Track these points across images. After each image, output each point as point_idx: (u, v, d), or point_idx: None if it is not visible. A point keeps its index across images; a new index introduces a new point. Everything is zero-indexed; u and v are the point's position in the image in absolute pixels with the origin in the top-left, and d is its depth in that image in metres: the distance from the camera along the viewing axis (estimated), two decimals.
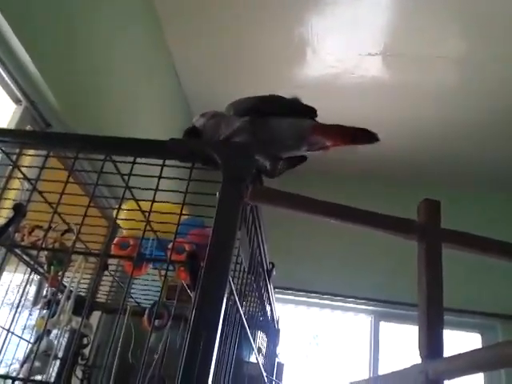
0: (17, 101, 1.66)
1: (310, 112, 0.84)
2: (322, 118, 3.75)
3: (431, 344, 0.75)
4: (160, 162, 0.84)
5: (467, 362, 0.66)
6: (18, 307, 0.93)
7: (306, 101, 3.60)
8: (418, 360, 0.75)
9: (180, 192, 0.86)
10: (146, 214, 1.02)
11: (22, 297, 0.93)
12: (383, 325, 3.37)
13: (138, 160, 0.82)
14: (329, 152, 0.90)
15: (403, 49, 2.67)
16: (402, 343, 3.33)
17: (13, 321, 0.84)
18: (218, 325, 0.66)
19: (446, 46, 2.60)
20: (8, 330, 0.75)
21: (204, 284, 0.69)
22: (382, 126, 3.59)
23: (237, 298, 0.85)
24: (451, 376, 0.71)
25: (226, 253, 0.73)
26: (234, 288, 0.81)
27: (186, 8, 2.57)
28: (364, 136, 0.84)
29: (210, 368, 0.63)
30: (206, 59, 2.91)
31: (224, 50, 2.83)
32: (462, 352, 0.68)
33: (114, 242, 1.21)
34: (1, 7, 1.40)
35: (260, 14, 2.55)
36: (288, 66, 2.89)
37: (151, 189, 0.82)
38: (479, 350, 0.60)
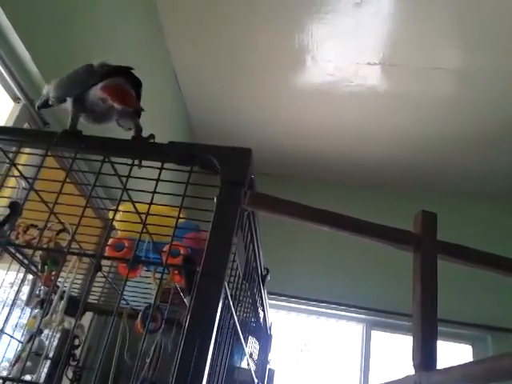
0: (15, 99, 1.66)
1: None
2: (319, 124, 3.76)
3: (425, 355, 0.75)
4: (158, 164, 0.84)
5: (461, 375, 0.66)
6: (11, 306, 0.92)
7: (303, 106, 3.60)
8: (410, 370, 0.75)
9: (177, 195, 0.86)
10: (142, 216, 1.02)
11: (15, 296, 0.92)
12: (375, 333, 3.37)
13: (137, 162, 0.82)
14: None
15: (402, 59, 2.69)
16: (393, 352, 3.33)
17: (6, 320, 0.83)
18: (212, 330, 0.66)
19: (445, 57, 2.62)
20: (1, 330, 0.74)
21: (200, 289, 0.69)
22: (379, 136, 3.61)
23: (231, 304, 0.85)
24: None
25: (222, 258, 0.73)
26: (229, 293, 0.81)
27: (186, 10, 2.57)
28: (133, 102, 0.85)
29: (203, 373, 0.62)
30: (205, 61, 2.92)
31: (223, 53, 2.83)
32: (455, 364, 0.68)
33: (109, 243, 1.20)
34: (2, 3, 1.40)
35: (261, 18, 2.56)
36: (287, 71, 2.90)
37: (149, 191, 0.82)
38: (472, 363, 0.60)
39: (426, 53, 2.62)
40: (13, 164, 0.84)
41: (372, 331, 3.37)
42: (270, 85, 3.02)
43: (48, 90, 0.95)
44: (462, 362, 0.63)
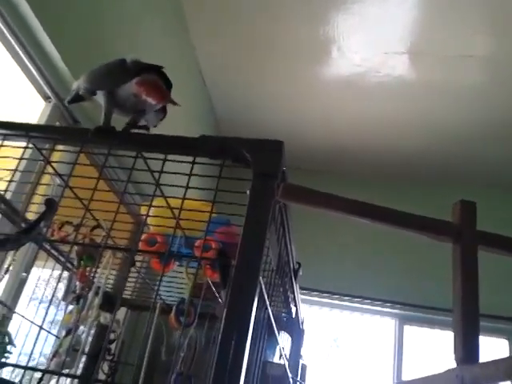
0: (46, 98, 1.68)
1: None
2: (348, 116, 3.70)
3: (467, 348, 0.73)
4: (189, 159, 0.84)
5: (503, 369, 0.64)
6: (50, 302, 0.94)
7: (331, 98, 3.55)
8: (446, 365, 0.73)
9: (210, 189, 0.85)
10: (174, 211, 1.02)
11: (54, 292, 0.93)
12: (407, 328, 3.33)
13: (169, 157, 0.82)
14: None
15: (430, 47, 2.63)
16: (426, 347, 3.28)
17: (45, 316, 0.84)
18: (249, 324, 0.65)
19: (473, 44, 2.55)
20: (40, 327, 0.76)
21: (235, 283, 0.69)
22: (407, 126, 3.55)
23: (266, 298, 0.84)
24: (488, 381, 0.69)
25: (256, 251, 0.72)
26: (263, 287, 0.80)
27: (211, 5, 2.57)
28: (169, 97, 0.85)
29: (242, 367, 0.62)
30: (230, 56, 2.91)
31: (248, 47, 2.82)
32: (497, 358, 0.66)
33: (142, 238, 1.21)
34: (30, 3, 1.42)
35: (285, 12, 2.54)
36: (313, 63, 2.87)
37: (182, 186, 0.82)
38: None
39: (453, 40, 2.55)
40: (48, 162, 0.85)
41: (404, 326, 3.32)
42: (296, 78, 3.00)
43: (78, 84, 0.96)
44: (500, 357, 0.61)
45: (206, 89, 3.20)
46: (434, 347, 3.21)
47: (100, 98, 0.88)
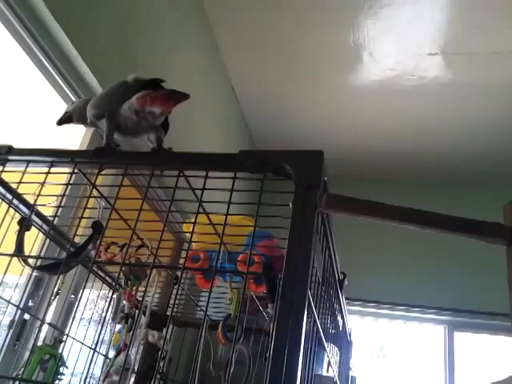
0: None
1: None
2: (383, 121, 3.65)
3: None
4: (230, 174, 0.84)
5: None
6: (102, 324, 0.95)
7: (365, 105, 3.53)
8: (506, 371, 0.70)
9: (252, 204, 0.85)
10: (216, 227, 1.03)
11: (106, 313, 0.95)
12: (457, 335, 3.22)
13: (210, 174, 0.83)
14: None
15: (464, 46, 2.57)
16: (478, 354, 3.16)
17: (98, 338, 0.85)
18: (300, 339, 0.64)
19: (507, 39, 2.48)
20: (94, 350, 0.77)
21: (284, 297, 0.68)
22: (446, 127, 3.46)
23: (314, 310, 0.83)
24: None
25: (304, 263, 0.71)
26: (311, 300, 0.79)
27: (238, 20, 2.60)
28: (177, 95, 0.83)
29: (296, 382, 0.61)
30: (261, 70, 2.93)
31: (278, 60, 2.84)
32: None
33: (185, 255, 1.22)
34: (66, 30, 1.47)
35: (314, 22, 2.54)
36: (344, 71, 2.85)
37: (224, 202, 0.82)
38: None
39: (487, 38, 2.49)
40: (94, 186, 0.87)
41: (454, 333, 3.21)
42: (328, 86, 2.99)
43: (73, 107, 1.00)
44: None
45: (238, 104, 3.23)
46: (487, 353, 3.09)
47: (103, 122, 0.89)
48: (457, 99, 2.92)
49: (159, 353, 1.38)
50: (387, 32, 2.55)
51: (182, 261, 1.78)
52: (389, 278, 3.29)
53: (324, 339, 0.99)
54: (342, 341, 1.56)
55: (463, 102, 2.93)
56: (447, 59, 2.65)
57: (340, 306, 1.36)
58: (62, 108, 1.54)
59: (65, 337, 1.19)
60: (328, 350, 1.17)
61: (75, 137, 1.72)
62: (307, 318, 0.80)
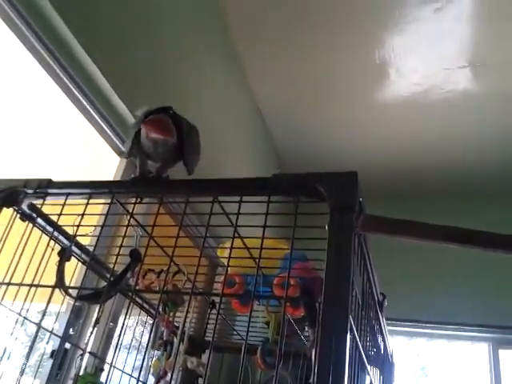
0: (120, 153, 1.78)
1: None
2: (414, 137, 3.60)
3: None
4: (263, 198, 0.84)
5: None
6: (146, 352, 0.96)
7: (394, 121, 3.50)
8: None
9: (288, 227, 0.85)
10: (252, 251, 1.02)
11: (148, 340, 0.95)
12: (502, 352, 3.09)
13: (245, 198, 0.83)
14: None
15: (492, 58, 2.54)
16: None
17: (141, 367, 0.86)
18: (344, 363, 0.63)
19: None
20: (137, 380, 0.77)
21: (325, 320, 0.67)
22: (484, 139, 3.37)
23: (356, 333, 0.81)
24: None
25: (343, 286, 0.70)
26: (352, 323, 0.77)
27: (263, 43, 2.64)
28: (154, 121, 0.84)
29: None
30: (287, 91, 2.95)
31: (304, 81, 2.85)
32: None
33: (221, 280, 1.22)
34: (103, 71, 1.53)
35: (338, 41, 2.56)
36: (371, 88, 2.85)
37: (260, 226, 0.82)
38: None
39: None
40: (131, 215, 0.89)
41: (499, 350, 3.09)
42: (356, 105, 2.98)
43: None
44: None
45: (266, 127, 3.26)
46: None
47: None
48: (487, 111, 2.87)
49: (198, 379, 1.37)
50: (414, 47, 2.55)
51: (216, 285, 1.80)
52: (429, 295, 3.20)
53: (366, 362, 0.97)
54: (384, 363, 1.52)
55: (493, 113, 2.87)
56: (476, 71, 2.61)
57: (380, 327, 1.33)
58: (97, 141, 1.59)
59: (106, 365, 1.20)
60: (371, 373, 1.14)
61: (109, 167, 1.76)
62: (350, 342, 0.78)
